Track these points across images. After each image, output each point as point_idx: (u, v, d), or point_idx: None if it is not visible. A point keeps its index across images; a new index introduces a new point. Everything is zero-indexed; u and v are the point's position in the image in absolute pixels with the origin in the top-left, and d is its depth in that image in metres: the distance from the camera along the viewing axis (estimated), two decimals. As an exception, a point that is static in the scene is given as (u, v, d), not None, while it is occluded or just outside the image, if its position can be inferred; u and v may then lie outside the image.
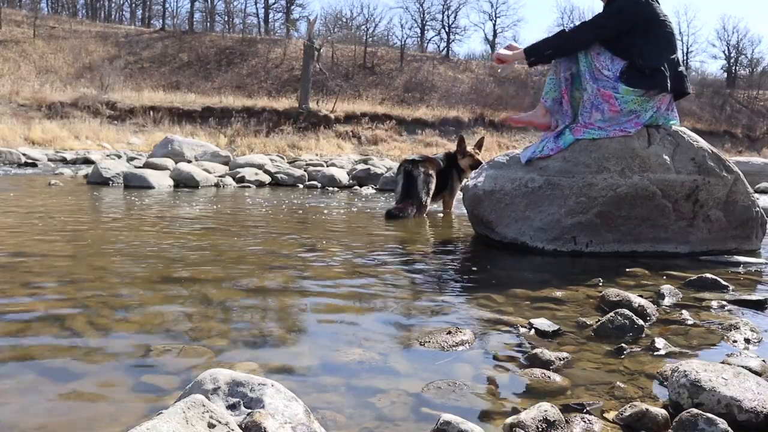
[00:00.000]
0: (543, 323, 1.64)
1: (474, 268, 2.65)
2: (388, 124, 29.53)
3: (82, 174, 8.37)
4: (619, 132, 2.89)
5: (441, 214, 4.66)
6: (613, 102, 2.88)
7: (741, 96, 44.22)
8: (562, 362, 1.38)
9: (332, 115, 28.68)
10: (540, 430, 1.03)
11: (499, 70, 3.33)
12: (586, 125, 2.95)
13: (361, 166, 8.96)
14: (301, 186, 7.56)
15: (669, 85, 2.88)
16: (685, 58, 50.26)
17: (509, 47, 3.23)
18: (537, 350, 1.41)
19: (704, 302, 1.95)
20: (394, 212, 4.19)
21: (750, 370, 1.27)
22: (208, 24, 49.32)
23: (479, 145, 4.76)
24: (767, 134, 38.04)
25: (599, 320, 1.65)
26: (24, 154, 12.15)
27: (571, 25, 3.24)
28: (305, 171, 8.63)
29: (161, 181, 6.44)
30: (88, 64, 33.87)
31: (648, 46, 2.88)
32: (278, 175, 7.84)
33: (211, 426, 0.86)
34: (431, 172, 4.38)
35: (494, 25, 50.40)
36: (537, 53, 3.01)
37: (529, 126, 3.61)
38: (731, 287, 2.15)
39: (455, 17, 49.99)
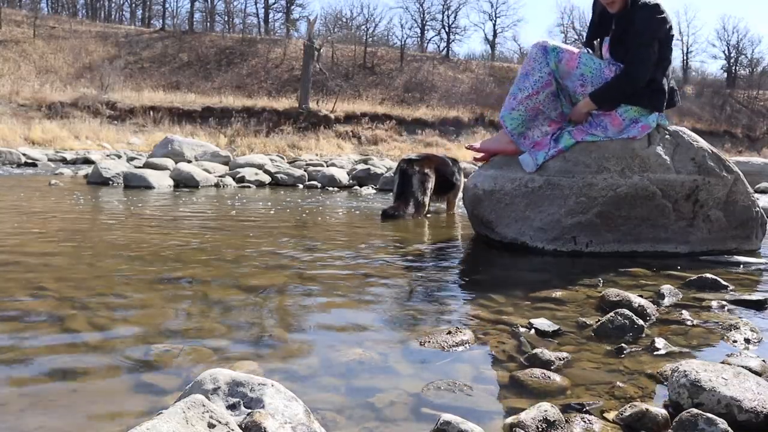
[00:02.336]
0: (543, 323, 1.64)
1: (474, 268, 2.65)
2: (388, 124, 29.52)
3: (82, 174, 8.37)
4: (625, 137, 2.90)
5: (437, 214, 4.65)
6: (615, 116, 2.89)
7: (741, 96, 44.21)
8: (562, 362, 1.38)
9: (332, 115, 28.68)
10: (540, 430, 1.03)
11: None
12: (587, 132, 2.94)
13: (361, 166, 8.96)
14: (301, 186, 7.56)
15: (664, 105, 2.92)
16: (685, 58, 50.30)
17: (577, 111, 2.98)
18: (537, 350, 1.41)
19: (704, 302, 1.95)
20: (389, 212, 4.15)
21: (750, 370, 1.27)
22: (208, 24, 49.32)
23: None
24: (767, 134, 38.04)
25: (599, 320, 1.65)
26: (24, 154, 12.14)
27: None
28: (305, 171, 8.63)
29: (161, 181, 6.44)
30: (88, 64, 33.86)
31: (657, 69, 2.86)
32: (278, 175, 7.84)
33: (211, 426, 0.86)
34: (428, 171, 4.30)
35: (494, 25, 50.38)
36: (603, 102, 2.90)
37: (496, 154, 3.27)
38: (731, 287, 2.15)
39: (455, 17, 49.95)
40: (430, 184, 4.32)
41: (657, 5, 2.81)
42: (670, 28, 2.89)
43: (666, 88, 2.91)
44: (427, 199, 4.31)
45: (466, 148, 3.54)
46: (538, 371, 1.31)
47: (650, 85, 2.87)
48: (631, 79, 2.84)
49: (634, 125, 2.90)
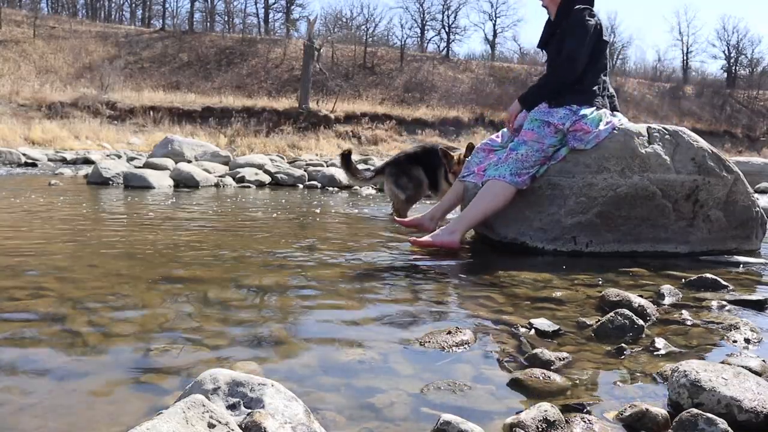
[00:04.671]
0: (543, 323, 1.64)
1: (474, 268, 2.65)
2: (388, 124, 29.54)
3: (82, 174, 8.37)
4: (602, 139, 2.92)
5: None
6: (586, 126, 2.92)
7: (741, 96, 44.25)
8: (562, 362, 1.38)
9: (332, 115, 28.69)
10: (540, 430, 1.03)
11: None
12: (573, 146, 2.98)
13: (361, 166, 8.94)
14: (301, 186, 7.56)
15: (600, 102, 2.99)
16: (685, 58, 50.39)
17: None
18: (537, 350, 1.41)
19: (704, 302, 1.95)
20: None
21: (750, 370, 1.27)
22: (208, 24, 49.34)
23: (468, 153, 4.14)
24: (767, 134, 38.05)
25: (599, 320, 1.65)
26: (24, 154, 12.16)
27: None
28: (305, 171, 8.63)
29: (161, 181, 6.44)
30: (88, 64, 33.88)
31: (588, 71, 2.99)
32: (278, 175, 7.84)
33: (211, 426, 0.86)
34: (395, 170, 4.33)
35: (494, 25, 50.50)
36: (530, 103, 3.04)
37: (438, 248, 2.87)
38: (731, 287, 2.15)
39: (455, 17, 49.97)
40: (404, 178, 4.28)
41: (587, 8, 2.97)
42: (601, 33, 3.00)
43: (597, 89, 3.00)
44: (403, 194, 4.26)
45: (412, 242, 2.89)
46: (538, 371, 1.31)
47: (576, 85, 2.97)
48: (557, 77, 3.00)
49: (605, 127, 2.94)
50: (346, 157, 4.62)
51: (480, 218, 2.97)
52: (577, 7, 2.98)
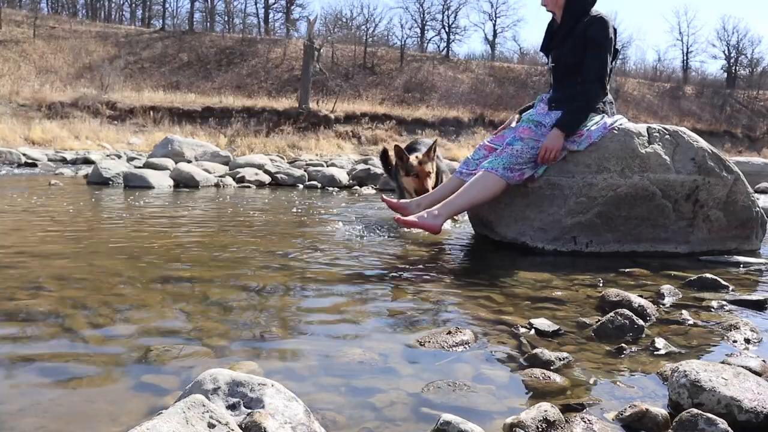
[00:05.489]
0: (543, 323, 1.64)
1: (474, 268, 2.65)
2: (388, 124, 29.54)
3: (82, 174, 8.37)
4: (593, 141, 2.94)
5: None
6: (581, 130, 2.96)
7: (741, 96, 44.24)
8: (562, 362, 1.38)
9: (332, 115, 28.69)
10: (540, 430, 1.03)
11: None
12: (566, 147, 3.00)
13: (361, 166, 8.95)
14: (301, 186, 7.56)
15: (600, 107, 3.03)
16: (685, 58, 50.46)
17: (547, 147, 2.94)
18: (537, 350, 1.41)
19: (704, 302, 1.95)
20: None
21: (750, 370, 1.27)
22: (208, 24, 49.31)
23: (429, 152, 3.80)
24: (767, 134, 38.06)
25: (599, 320, 1.65)
26: (24, 154, 12.17)
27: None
28: (305, 171, 8.62)
29: (161, 181, 6.44)
30: (88, 64, 33.87)
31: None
32: (278, 175, 7.83)
33: (211, 426, 0.86)
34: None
35: (494, 25, 50.45)
36: (575, 129, 2.96)
37: (418, 228, 3.02)
38: (731, 287, 2.15)
39: (455, 17, 49.91)
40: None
41: (605, 18, 2.97)
42: (614, 42, 3.02)
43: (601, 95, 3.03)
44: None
45: (396, 220, 2.90)
46: (538, 371, 1.31)
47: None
48: (595, 96, 2.98)
49: (597, 127, 2.97)
50: (386, 154, 4.75)
51: (466, 207, 3.06)
52: (597, 15, 2.97)
